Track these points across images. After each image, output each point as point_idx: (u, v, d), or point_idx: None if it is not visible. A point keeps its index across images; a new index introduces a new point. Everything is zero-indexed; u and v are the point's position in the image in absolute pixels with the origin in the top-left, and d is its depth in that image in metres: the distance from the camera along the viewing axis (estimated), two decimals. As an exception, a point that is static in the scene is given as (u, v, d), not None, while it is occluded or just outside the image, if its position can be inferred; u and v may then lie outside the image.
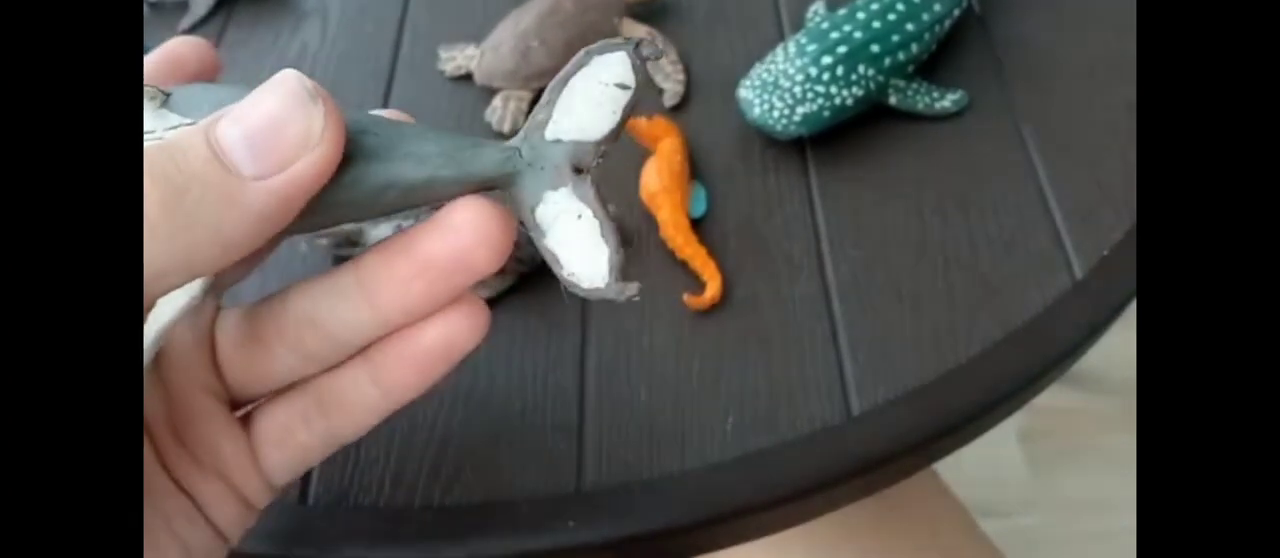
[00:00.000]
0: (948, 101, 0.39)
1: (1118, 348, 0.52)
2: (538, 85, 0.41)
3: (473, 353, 0.23)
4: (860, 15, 0.38)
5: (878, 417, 0.31)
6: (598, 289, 0.22)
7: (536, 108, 0.22)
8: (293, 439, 0.24)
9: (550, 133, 0.22)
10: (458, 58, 0.43)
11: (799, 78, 0.37)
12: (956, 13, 0.40)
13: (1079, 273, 0.35)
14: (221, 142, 0.19)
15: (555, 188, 0.22)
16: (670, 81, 0.41)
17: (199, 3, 0.46)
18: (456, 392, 0.33)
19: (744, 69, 0.39)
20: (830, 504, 0.32)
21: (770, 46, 0.39)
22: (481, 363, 0.33)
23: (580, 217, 0.22)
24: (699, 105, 0.41)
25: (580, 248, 0.22)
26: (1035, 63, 0.42)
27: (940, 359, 0.33)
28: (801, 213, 0.37)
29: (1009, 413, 0.33)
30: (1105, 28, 0.42)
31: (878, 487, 0.32)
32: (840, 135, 0.38)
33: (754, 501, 0.30)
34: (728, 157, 0.39)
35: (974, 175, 0.38)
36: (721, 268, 0.35)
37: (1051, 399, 0.44)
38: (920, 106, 0.39)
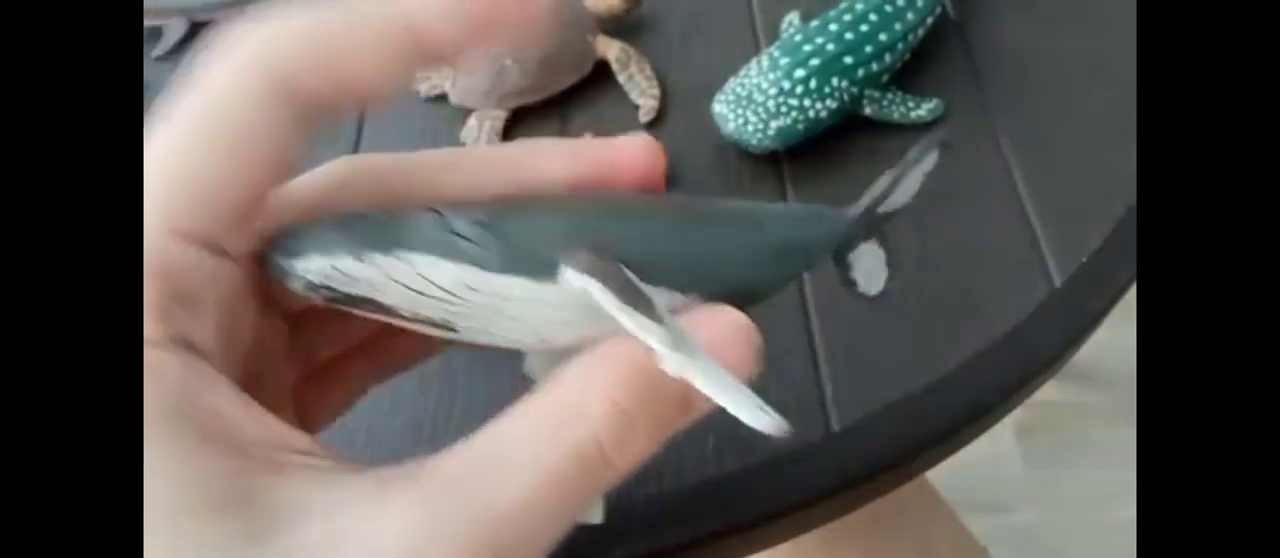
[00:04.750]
0: (923, 111, 0.39)
1: (1114, 342, 0.52)
2: (512, 104, 0.41)
3: None
4: (832, 27, 0.38)
5: (858, 433, 0.31)
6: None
7: None
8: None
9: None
10: (432, 78, 0.43)
11: (772, 91, 0.36)
12: (930, 21, 0.40)
13: (1057, 280, 0.34)
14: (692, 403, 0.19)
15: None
16: (645, 97, 0.41)
17: (172, 30, 0.46)
18: (435, 420, 0.32)
19: (720, 83, 0.39)
20: (814, 522, 0.31)
21: (746, 59, 0.39)
22: (460, 388, 0.33)
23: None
24: (674, 120, 0.40)
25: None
26: (1011, 67, 0.41)
27: (920, 373, 0.32)
28: (779, 227, 0.37)
29: (990, 425, 0.33)
30: (1081, 28, 0.42)
31: (860, 503, 0.32)
32: (816, 147, 0.38)
33: (736, 522, 0.30)
34: (704, 171, 0.39)
35: (951, 184, 0.37)
36: (699, 286, 0.34)
37: (1048, 394, 0.44)
38: (896, 117, 0.39)
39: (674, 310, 0.19)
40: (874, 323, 0.34)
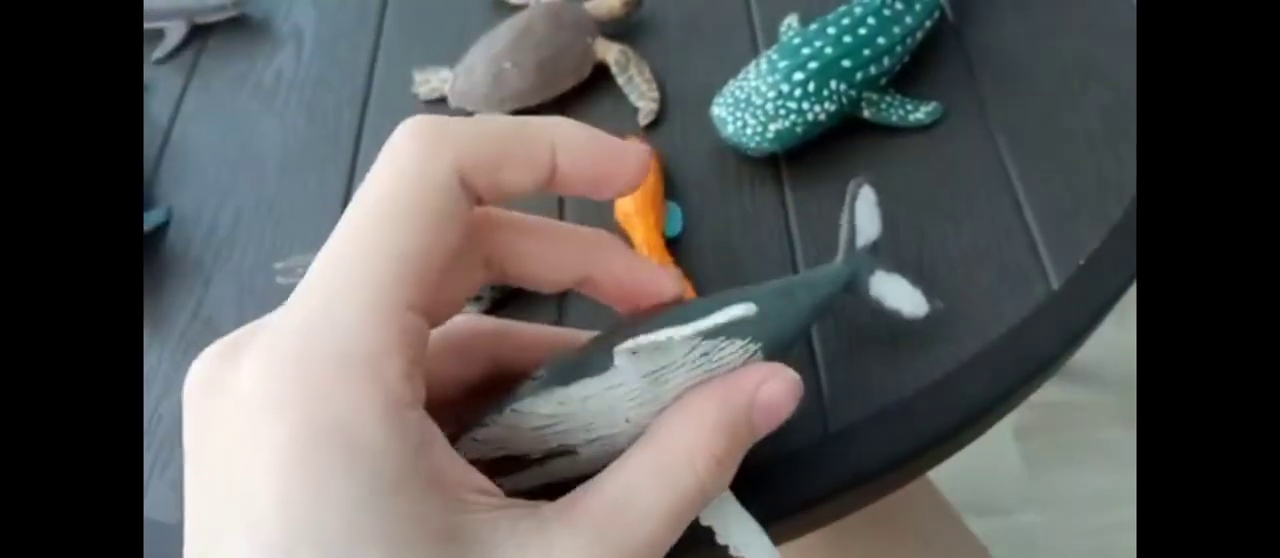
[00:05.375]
0: (921, 113, 0.39)
1: (1113, 342, 0.52)
2: (511, 107, 0.41)
3: None
4: (831, 30, 0.38)
5: (854, 436, 0.31)
6: None
7: None
8: None
9: None
10: (432, 80, 0.43)
11: (771, 94, 0.37)
12: (929, 24, 0.40)
13: (1055, 283, 0.34)
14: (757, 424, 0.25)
15: None
16: (644, 100, 0.41)
17: (173, 31, 0.46)
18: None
19: (719, 86, 0.39)
20: (811, 525, 0.32)
21: (745, 62, 0.39)
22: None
23: None
24: (673, 123, 0.41)
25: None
26: (1009, 70, 0.41)
27: (916, 375, 0.32)
28: (777, 229, 0.37)
29: (989, 426, 0.33)
30: (1078, 30, 0.42)
31: (860, 505, 0.32)
32: (815, 150, 0.38)
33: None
34: (703, 174, 0.39)
35: (949, 187, 0.38)
36: (697, 288, 0.35)
37: (1047, 395, 0.44)
38: (894, 119, 0.39)
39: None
40: (872, 325, 0.34)
